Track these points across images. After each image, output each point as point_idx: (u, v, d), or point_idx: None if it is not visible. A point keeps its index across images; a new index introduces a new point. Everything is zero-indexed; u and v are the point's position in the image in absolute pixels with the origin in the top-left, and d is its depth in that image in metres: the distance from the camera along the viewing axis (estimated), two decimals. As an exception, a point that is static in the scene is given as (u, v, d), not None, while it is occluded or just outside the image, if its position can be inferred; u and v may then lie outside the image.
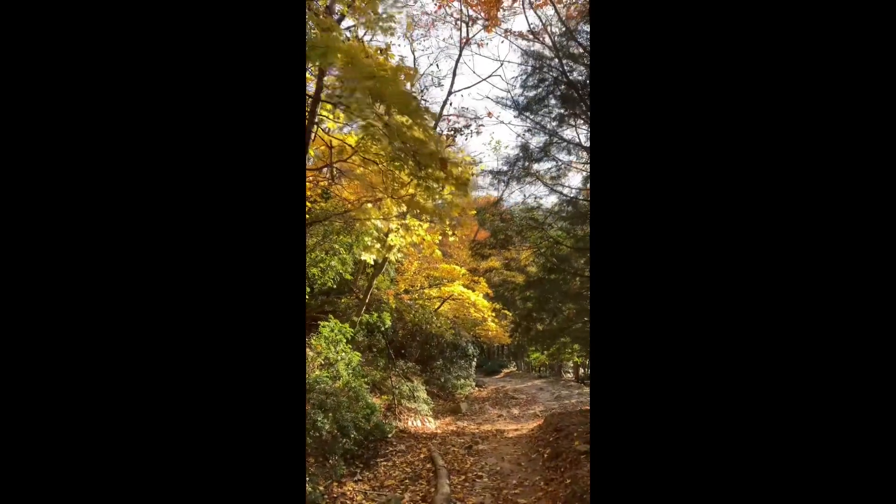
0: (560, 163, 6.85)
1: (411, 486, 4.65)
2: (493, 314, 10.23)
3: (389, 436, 6.51)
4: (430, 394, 10.86)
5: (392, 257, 6.54)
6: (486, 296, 9.99)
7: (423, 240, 6.20)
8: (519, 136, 6.47)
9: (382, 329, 7.53)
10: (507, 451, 6.28)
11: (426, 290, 9.86)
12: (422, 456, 5.86)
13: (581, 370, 19.64)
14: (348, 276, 7.89)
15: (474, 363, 15.56)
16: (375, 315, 7.36)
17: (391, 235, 6.38)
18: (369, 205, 6.62)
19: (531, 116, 6.48)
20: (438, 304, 10.88)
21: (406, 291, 9.78)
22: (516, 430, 8.24)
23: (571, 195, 6.55)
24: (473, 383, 14.55)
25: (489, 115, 16.30)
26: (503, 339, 12.66)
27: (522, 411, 10.74)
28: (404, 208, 6.27)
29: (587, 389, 14.41)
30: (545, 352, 17.01)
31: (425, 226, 6.13)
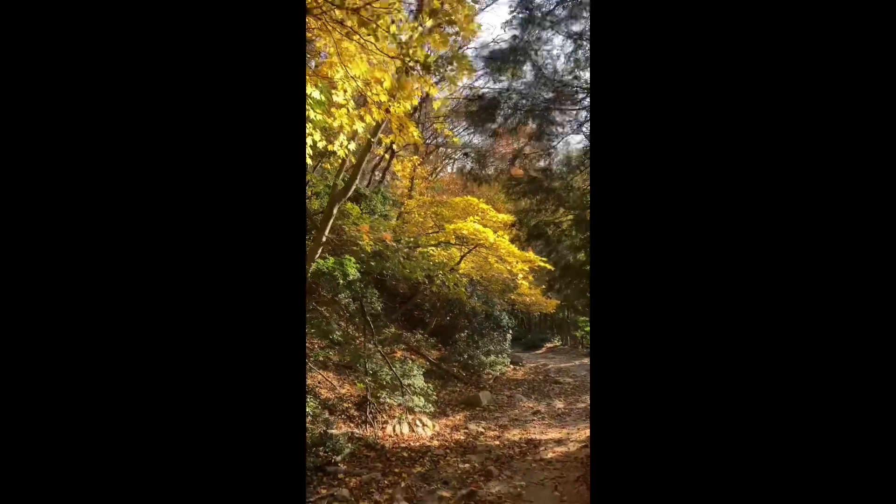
0: None
1: None
2: (526, 269, 6.98)
3: (337, 459, 3.83)
4: (449, 375, 8.14)
5: (339, 151, 3.66)
6: (517, 240, 6.82)
7: (388, 110, 3.29)
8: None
9: (341, 282, 4.75)
10: (542, 499, 3.43)
11: (423, 237, 6.75)
12: (375, 512, 3.12)
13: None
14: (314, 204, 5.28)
15: (509, 336, 12.71)
16: (332, 260, 4.62)
17: (338, 112, 3.51)
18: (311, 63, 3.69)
19: None
20: (459, 256, 7.97)
21: (398, 240, 6.84)
22: (559, 441, 5.34)
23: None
24: (508, 360, 11.73)
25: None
26: (545, 307, 9.55)
27: (569, 405, 7.76)
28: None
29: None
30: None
31: (386, 82, 3.20)
